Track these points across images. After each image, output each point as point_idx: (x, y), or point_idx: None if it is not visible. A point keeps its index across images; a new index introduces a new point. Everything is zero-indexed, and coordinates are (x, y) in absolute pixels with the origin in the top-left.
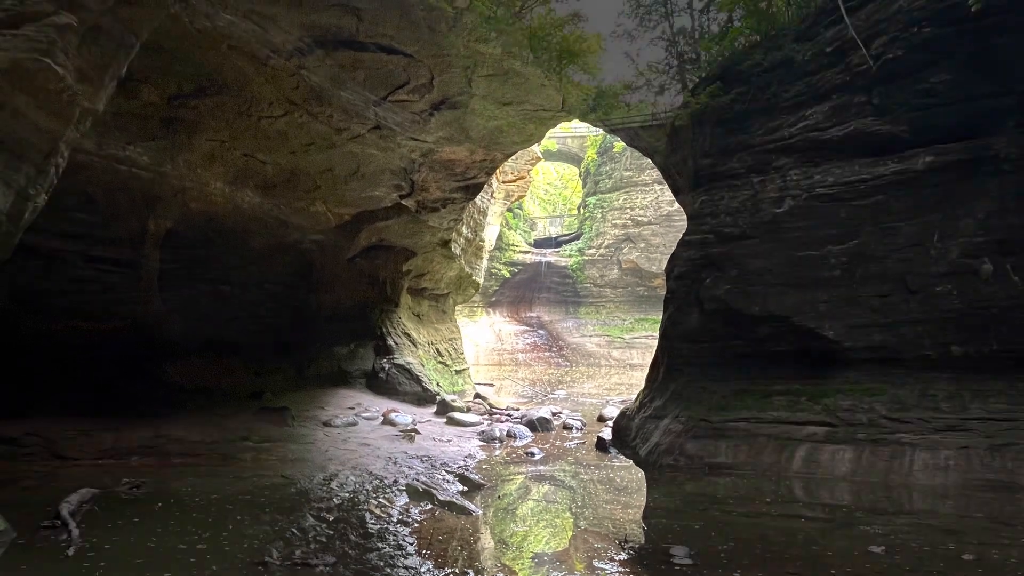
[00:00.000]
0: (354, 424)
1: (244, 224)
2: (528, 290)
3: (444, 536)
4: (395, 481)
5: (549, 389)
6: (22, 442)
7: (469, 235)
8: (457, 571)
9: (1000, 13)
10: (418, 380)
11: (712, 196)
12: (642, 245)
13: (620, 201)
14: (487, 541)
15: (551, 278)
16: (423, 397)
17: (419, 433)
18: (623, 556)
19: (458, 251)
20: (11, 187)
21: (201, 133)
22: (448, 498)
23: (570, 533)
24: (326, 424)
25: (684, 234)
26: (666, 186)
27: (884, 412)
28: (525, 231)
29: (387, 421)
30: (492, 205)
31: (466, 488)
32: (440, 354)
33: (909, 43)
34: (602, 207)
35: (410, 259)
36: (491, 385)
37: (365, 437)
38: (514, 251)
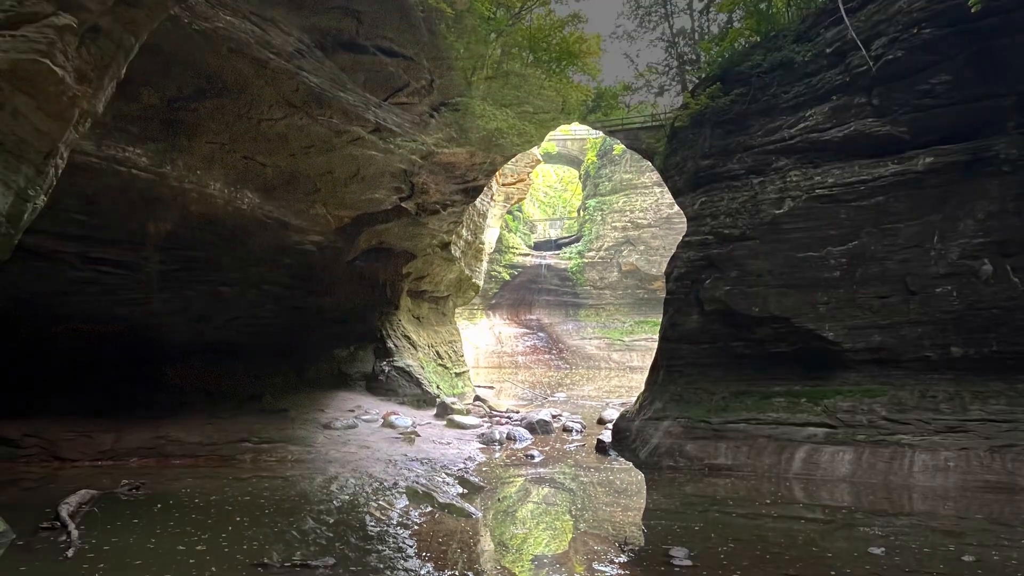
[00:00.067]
0: (354, 426)
1: (244, 226)
2: (528, 293)
3: (444, 538)
4: (395, 483)
5: (549, 392)
6: (22, 443)
7: (469, 237)
8: (457, 573)
9: (1000, 14)
10: (418, 383)
11: (712, 197)
12: (642, 247)
13: (620, 204)
14: (487, 543)
15: (551, 281)
16: (423, 399)
17: (419, 435)
18: (623, 558)
19: (458, 254)
20: (10, 188)
21: (201, 136)
22: (448, 500)
23: (570, 535)
24: (326, 426)
25: (684, 235)
26: (666, 188)
27: (884, 413)
28: (525, 234)
29: (387, 423)
30: (492, 208)
31: (466, 490)
32: (440, 356)
33: (909, 44)
34: (602, 210)
35: (410, 262)
36: (491, 387)
37: (365, 439)
38: (514, 254)
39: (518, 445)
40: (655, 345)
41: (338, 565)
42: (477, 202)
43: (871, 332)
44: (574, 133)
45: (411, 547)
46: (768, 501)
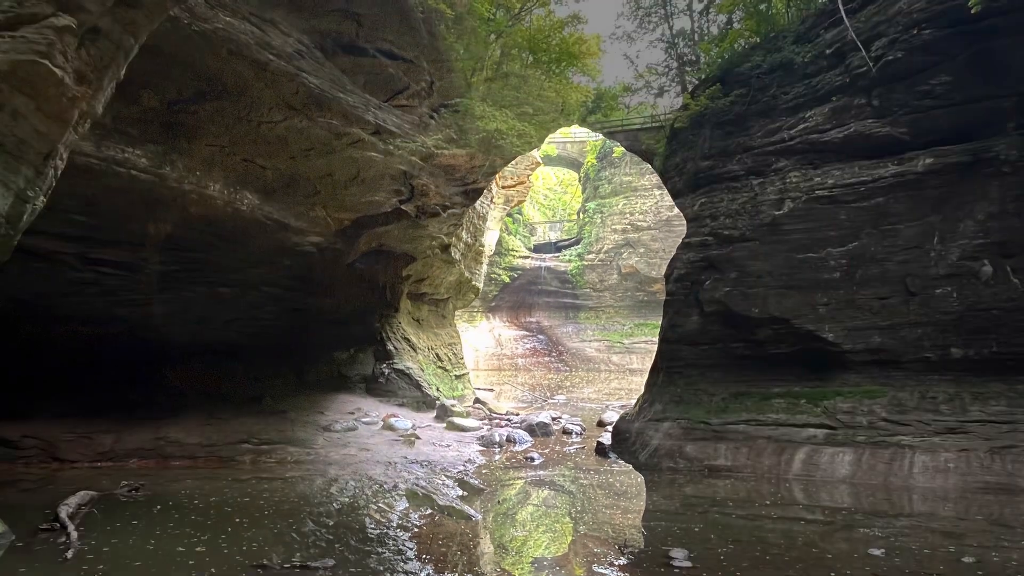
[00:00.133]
0: (354, 429)
1: (244, 228)
2: (528, 295)
3: (444, 541)
4: (395, 486)
5: (549, 394)
6: (21, 445)
7: (469, 240)
8: None
9: (1000, 15)
10: (418, 385)
11: (712, 198)
12: (642, 250)
13: (620, 206)
14: (487, 546)
15: (551, 283)
16: (423, 402)
17: (419, 438)
18: (623, 560)
19: (458, 256)
20: (10, 189)
21: (201, 138)
22: (448, 503)
23: (570, 538)
24: (326, 429)
25: (684, 237)
26: (666, 191)
27: (884, 414)
28: (525, 236)
29: (387, 426)
30: (492, 210)
31: (466, 493)
32: (440, 359)
33: (909, 45)
34: (602, 212)
35: (410, 264)
36: (491, 390)
37: (365, 442)
38: (514, 256)
39: (518, 447)
40: (655, 347)
41: (338, 567)
42: (477, 204)
43: (871, 333)
44: (574, 136)
45: (411, 549)
46: (768, 502)
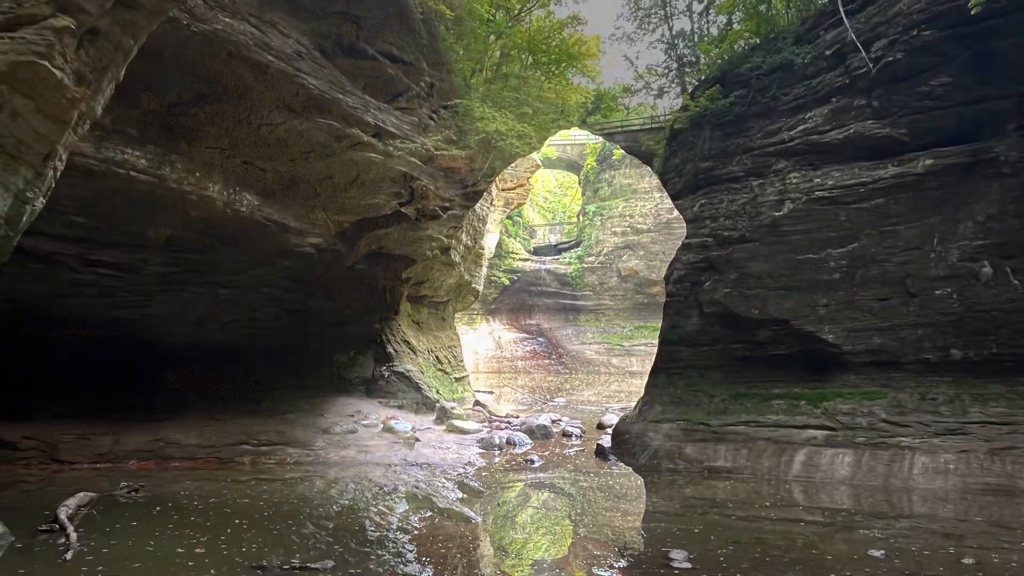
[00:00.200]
0: (353, 431)
1: (243, 229)
2: (527, 297)
3: (444, 543)
4: (395, 488)
5: (548, 396)
6: (20, 446)
7: (469, 243)
8: None
9: (1000, 16)
10: (418, 387)
11: (711, 199)
12: (641, 252)
13: (619, 209)
14: (487, 548)
15: (550, 286)
16: (423, 404)
17: (419, 440)
18: (622, 563)
19: (458, 259)
20: (9, 190)
21: (201, 141)
22: (448, 505)
23: (569, 540)
24: (325, 431)
25: (684, 238)
26: (665, 193)
27: (884, 416)
28: (524, 239)
29: (387, 428)
30: (492, 213)
31: (466, 495)
32: (440, 361)
33: (909, 46)
34: (601, 215)
35: (410, 266)
36: (491, 392)
37: (365, 444)
38: (513, 259)
39: (518, 450)
40: (654, 350)
41: (337, 568)
42: (477, 207)
43: (871, 334)
44: (573, 138)
45: (411, 551)
46: (768, 503)
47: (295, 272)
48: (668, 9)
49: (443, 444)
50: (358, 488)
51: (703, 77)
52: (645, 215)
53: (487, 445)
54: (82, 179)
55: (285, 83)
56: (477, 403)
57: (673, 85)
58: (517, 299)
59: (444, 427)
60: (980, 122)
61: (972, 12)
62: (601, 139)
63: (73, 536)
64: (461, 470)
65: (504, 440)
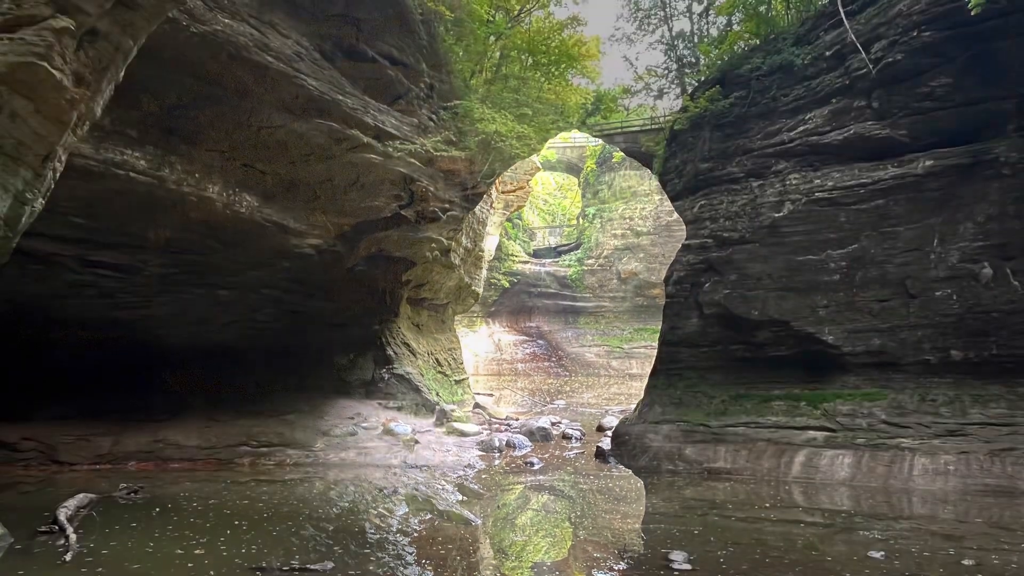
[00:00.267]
0: (353, 434)
1: (243, 230)
2: (527, 300)
3: (444, 545)
4: (395, 490)
5: (548, 399)
6: (19, 447)
7: (468, 245)
8: None
9: (1000, 16)
10: (417, 390)
11: (711, 200)
12: (641, 255)
13: (619, 211)
14: (486, 550)
15: (550, 288)
16: (422, 407)
17: (418, 442)
18: (622, 565)
19: (457, 261)
20: (8, 191)
21: (201, 143)
22: (447, 507)
23: (569, 543)
24: (325, 432)
25: (684, 239)
26: (665, 196)
27: (883, 417)
28: (524, 241)
29: (386, 430)
30: (491, 215)
31: (465, 497)
32: (439, 364)
33: (909, 47)
34: (601, 217)
35: (409, 269)
36: (490, 395)
37: (364, 446)
38: (513, 261)
39: (518, 452)
40: (654, 352)
41: (337, 570)
42: (477, 210)
43: (871, 335)
44: (573, 140)
45: (410, 554)
46: (767, 505)
47: (295, 273)
48: (668, 10)
49: (443, 446)
50: (358, 490)
51: (703, 78)
52: (645, 217)
53: (487, 447)
54: (81, 180)
55: (285, 84)
56: (477, 405)
57: (673, 86)
58: (517, 301)
59: (444, 429)
60: (980, 123)
61: (972, 13)
62: (601, 141)
63: (72, 537)
64: (461, 472)
65: (504, 442)
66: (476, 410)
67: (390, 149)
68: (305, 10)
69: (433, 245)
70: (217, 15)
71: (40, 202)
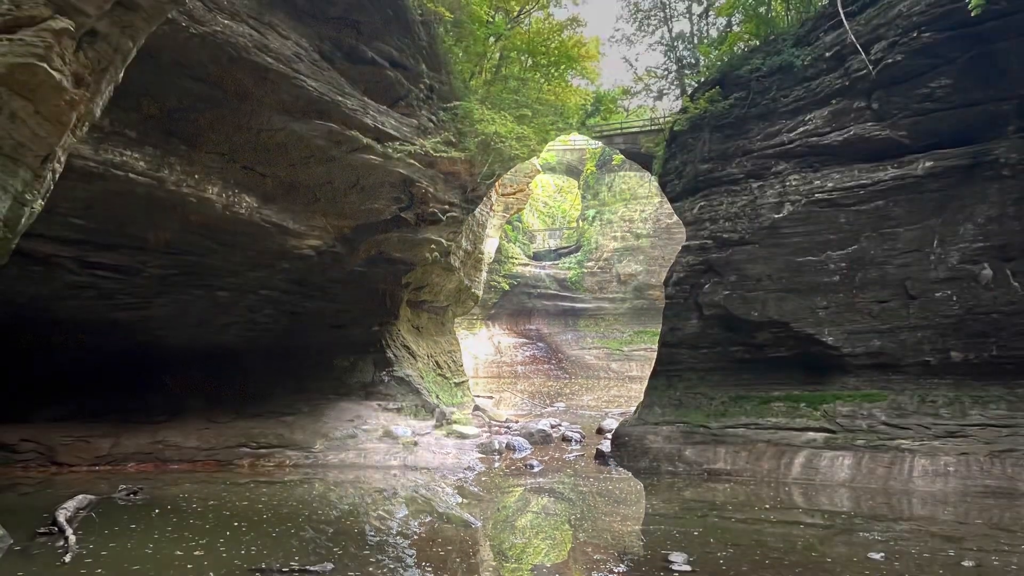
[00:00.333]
0: (353, 435)
1: (243, 233)
2: (527, 302)
3: (443, 547)
4: (394, 492)
5: (548, 401)
6: (19, 448)
7: (468, 248)
8: None
9: (1000, 17)
10: (417, 392)
11: (711, 202)
12: (641, 257)
13: (619, 213)
14: (486, 553)
15: (550, 290)
16: (422, 409)
17: (418, 445)
18: (622, 567)
19: (457, 264)
20: (8, 192)
21: (201, 146)
22: (447, 510)
23: (569, 545)
24: (325, 434)
25: (684, 240)
26: (665, 199)
27: (883, 418)
28: (524, 244)
29: (386, 432)
30: (491, 218)
31: (465, 500)
32: (439, 366)
33: (909, 48)
34: (601, 219)
35: (409, 271)
36: (490, 397)
37: (364, 448)
38: (513, 263)
39: (517, 455)
40: (654, 355)
41: (336, 572)
42: (476, 212)
43: (871, 337)
44: (573, 143)
45: (410, 556)
46: (767, 506)
47: (294, 275)
48: (667, 11)
49: (443, 449)
50: (357, 492)
51: (702, 79)
52: (644, 220)
53: (487, 450)
54: (81, 181)
55: (285, 86)
56: (477, 408)
57: (672, 87)
58: (517, 304)
59: (444, 432)
60: (980, 124)
61: (972, 14)
62: (600, 144)
63: (72, 539)
64: (461, 474)
65: (504, 445)
66: (476, 412)
67: (390, 150)
68: (305, 12)
69: (433, 247)
70: (217, 16)
71: (39, 203)
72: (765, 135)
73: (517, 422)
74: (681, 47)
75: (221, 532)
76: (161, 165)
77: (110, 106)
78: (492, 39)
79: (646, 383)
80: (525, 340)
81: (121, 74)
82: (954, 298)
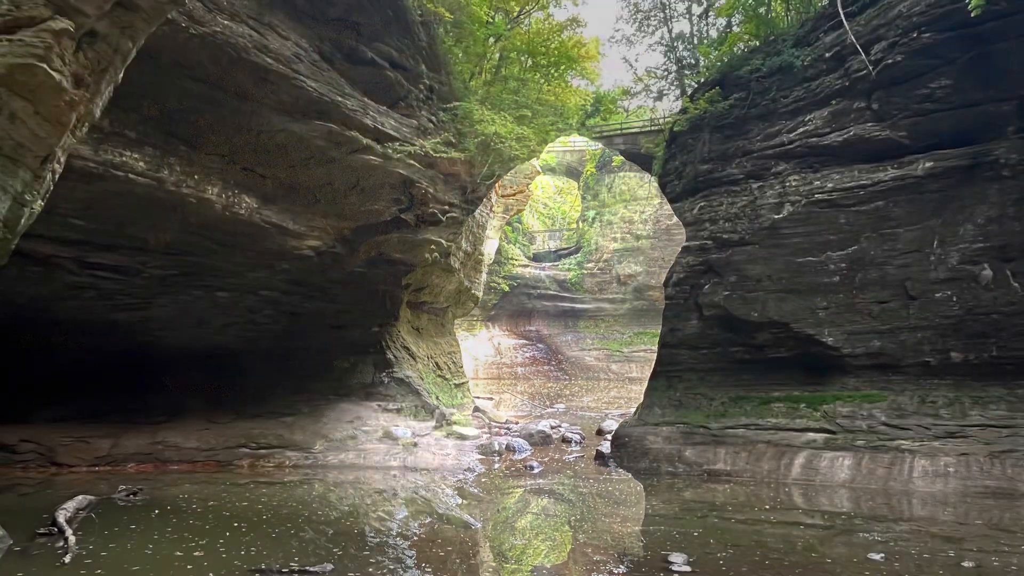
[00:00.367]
0: (353, 436)
1: (242, 233)
2: (527, 304)
3: (443, 548)
4: (394, 493)
5: (548, 403)
6: (18, 449)
7: (468, 249)
8: None
9: (1000, 18)
10: (417, 394)
11: (711, 202)
12: (641, 258)
13: (619, 214)
14: (486, 554)
15: (550, 291)
16: (422, 410)
17: (418, 446)
18: (622, 569)
19: (457, 265)
20: (7, 193)
21: (201, 148)
22: (447, 510)
23: (569, 546)
24: (324, 435)
25: (684, 241)
26: (665, 199)
27: (883, 419)
28: (524, 245)
29: (386, 433)
30: (491, 219)
31: (465, 501)
32: (439, 368)
33: (908, 48)
34: (601, 221)
35: (409, 273)
36: (490, 399)
37: (364, 449)
38: (513, 265)
39: (517, 456)
40: (654, 356)
41: (336, 573)
42: (476, 213)
43: (871, 337)
44: (573, 144)
45: (410, 557)
46: (767, 507)
47: (294, 275)
48: (667, 12)
49: (443, 450)
50: (357, 492)
51: (702, 79)
52: (644, 221)
53: (487, 451)
54: (80, 181)
55: (284, 86)
56: (477, 409)
57: (672, 88)
58: (516, 305)
59: (443, 433)
60: (980, 125)
61: (972, 15)
62: (600, 145)
63: (71, 539)
64: (461, 476)
65: (504, 446)
66: (476, 414)
67: (390, 151)
68: (304, 13)
69: (433, 247)
70: (216, 17)
71: (39, 204)
72: (765, 136)
73: (517, 423)
74: (681, 48)
75: (221, 533)
76: (161, 166)
77: (110, 107)
78: (492, 40)
79: (646, 384)
80: (525, 341)
81: (121, 75)
82: (954, 299)
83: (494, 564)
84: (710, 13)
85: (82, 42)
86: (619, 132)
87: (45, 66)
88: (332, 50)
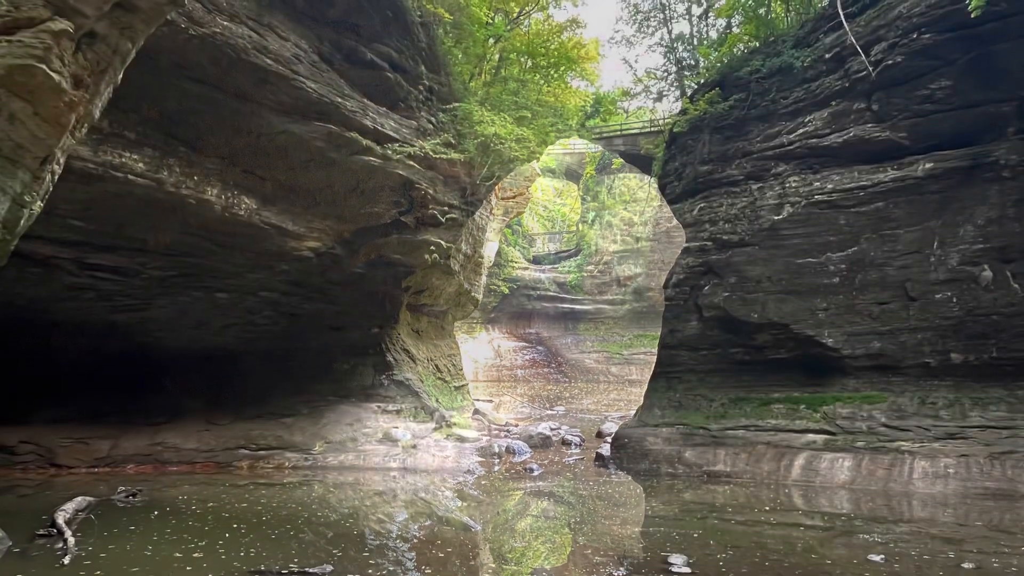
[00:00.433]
0: (353, 438)
1: (242, 234)
2: (527, 306)
3: (443, 550)
4: (394, 495)
5: (548, 405)
6: (18, 450)
7: (468, 251)
8: None
9: (1000, 19)
10: (417, 396)
11: (711, 203)
12: (640, 260)
13: (619, 216)
14: (486, 556)
15: (550, 294)
16: (422, 412)
17: (417, 448)
18: (622, 570)
19: (457, 267)
20: (7, 194)
21: (200, 149)
22: (447, 513)
23: (569, 548)
24: (324, 437)
25: (684, 243)
26: (665, 202)
27: (883, 420)
28: (524, 247)
29: (386, 435)
30: (491, 221)
31: (465, 503)
32: (439, 370)
33: (908, 49)
34: (600, 222)
35: (409, 275)
36: (490, 401)
37: (363, 450)
38: (513, 267)
39: (517, 458)
40: (654, 358)
41: (336, 574)
42: (476, 216)
43: (871, 338)
44: (573, 147)
45: (410, 559)
46: (767, 508)
47: (294, 276)
48: (667, 13)
49: (442, 452)
50: (357, 494)
51: (702, 80)
52: (644, 224)
53: (486, 453)
54: (80, 183)
55: (284, 87)
56: (476, 412)
57: (672, 89)
58: (516, 307)
59: (443, 435)
60: (980, 126)
61: (972, 15)
62: (600, 148)
63: (71, 541)
64: (460, 478)
65: (503, 448)
66: (476, 416)
67: (389, 152)
68: (304, 14)
69: (432, 249)
70: (216, 18)
71: (38, 205)
72: (765, 136)
73: (517, 426)
74: (681, 49)
75: (220, 534)
76: (160, 167)
77: (109, 108)
78: (492, 41)
79: (646, 387)
80: (525, 344)
81: (120, 76)
82: (954, 300)
83: (494, 566)
84: (710, 14)
85: (81, 43)
86: (619, 133)
87: (44, 67)
88: (332, 51)
